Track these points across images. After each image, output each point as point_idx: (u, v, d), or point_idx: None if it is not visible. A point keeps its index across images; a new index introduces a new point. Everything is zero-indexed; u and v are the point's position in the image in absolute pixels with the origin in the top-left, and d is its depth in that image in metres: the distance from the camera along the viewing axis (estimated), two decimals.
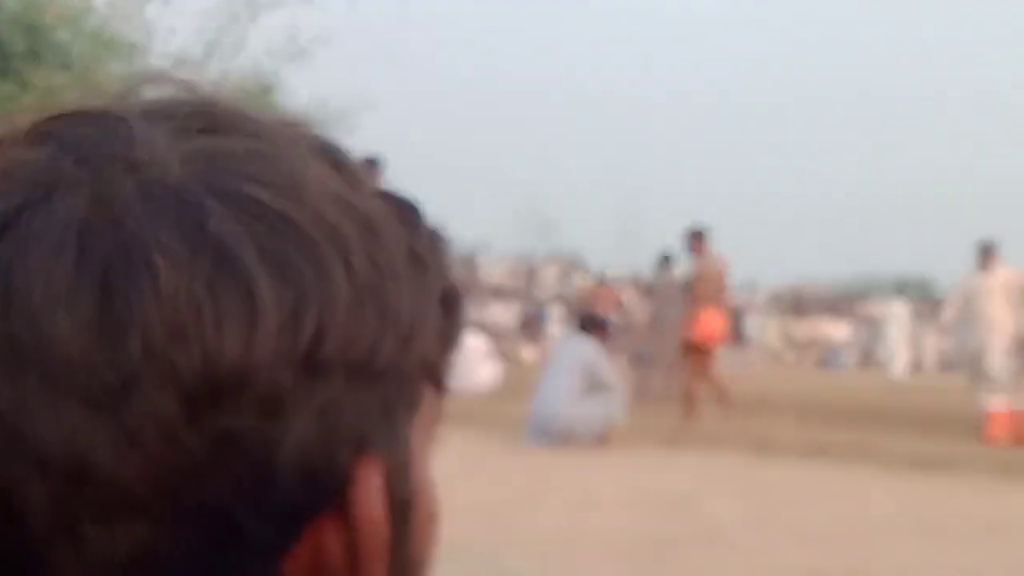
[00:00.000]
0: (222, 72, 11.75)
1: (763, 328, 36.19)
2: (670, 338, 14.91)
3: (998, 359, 11.35)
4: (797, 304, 41.05)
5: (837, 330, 36.86)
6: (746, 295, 39.05)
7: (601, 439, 9.85)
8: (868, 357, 34.53)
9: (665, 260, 15.27)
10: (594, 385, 9.87)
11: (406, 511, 0.47)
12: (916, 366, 26.16)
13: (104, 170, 0.43)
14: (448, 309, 0.48)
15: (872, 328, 37.13)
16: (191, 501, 0.41)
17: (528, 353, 23.45)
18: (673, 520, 6.38)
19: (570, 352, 10.35)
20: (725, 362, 16.25)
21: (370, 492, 0.44)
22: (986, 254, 11.46)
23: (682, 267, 13.83)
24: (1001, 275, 11.44)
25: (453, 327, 0.49)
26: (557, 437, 9.65)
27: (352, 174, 0.47)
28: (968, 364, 12.29)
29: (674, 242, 13.67)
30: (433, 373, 0.48)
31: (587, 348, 10.28)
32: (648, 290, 15.61)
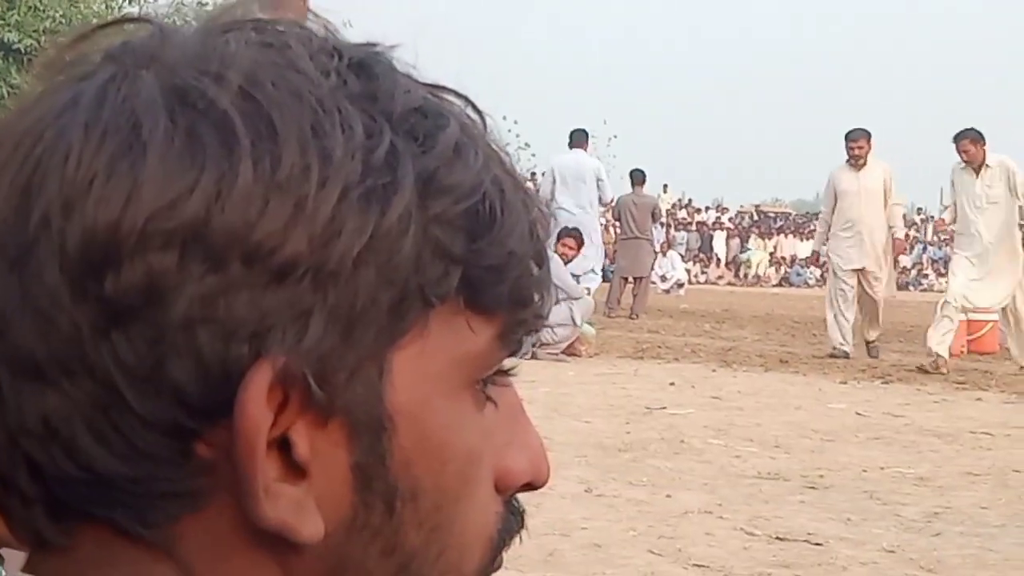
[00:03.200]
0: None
1: (733, 248, 36.33)
2: (637, 255, 15.18)
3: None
4: (762, 223, 41.20)
5: (800, 249, 37.08)
6: (714, 215, 39.18)
7: (572, 349, 10.06)
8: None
9: (634, 179, 15.48)
10: (561, 294, 10.01)
11: (374, 433, 0.44)
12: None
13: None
14: (472, 237, 0.45)
15: None
16: (79, 367, 0.42)
17: None
18: (640, 427, 6.58)
19: None
20: (693, 278, 16.46)
21: (249, 388, 0.42)
22: None
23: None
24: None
25: (483, 257, 0.45)
26: (539, 343, 9.85)
27: (367, 78, 0.45)
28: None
29: (642, 164, 14.43)
30: (430, 299, 0.45)
31: (552, 261, 10.50)
32: (617, 209, 15.75)
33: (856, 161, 10.91)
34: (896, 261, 12.10)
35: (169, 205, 0.41)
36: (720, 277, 34.24)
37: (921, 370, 9.38)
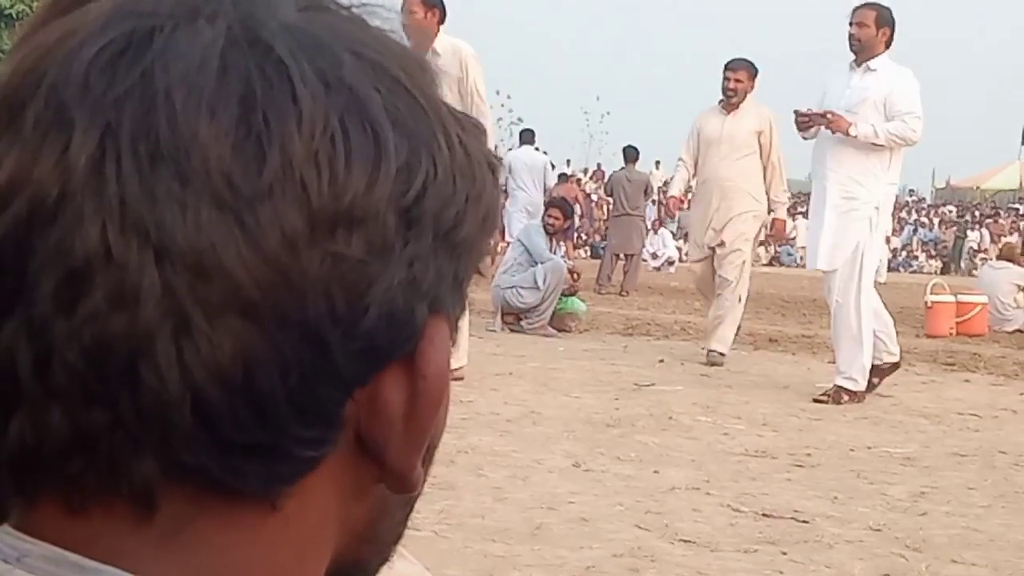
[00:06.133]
0: None
1: None
2: (629, 232, 15.20)
3: None
4: None
5: (789, 228, 37.06)
6: None
7: (561, 325, 10.08)
8: None
9: (627, 156, 15.54)
10: (530, 259, 10.06)
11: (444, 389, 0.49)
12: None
13: (245, 5, 0.44)
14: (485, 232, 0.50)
15: None
16: (294, 314, 0.42)
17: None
18: (628, 403, 6.58)
19: (519, 233, 10.69)
20: (684, 256, 16.48)
21: (439, 347, 0.46)
22: None
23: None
24: None
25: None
26: (510, 309, 9.89)
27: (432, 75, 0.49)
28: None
29: (635, 140, 14.60)
30: (478, 270, 0.50)
31: (529, 225, 10.64)
32: (609, 186, 15.75)
33: (728, 99, 8.38)
34: (767, 243, 9.78)
35: (403, 180, 0.44)
36: None
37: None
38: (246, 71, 0.42)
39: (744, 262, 8.31)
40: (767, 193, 8.37)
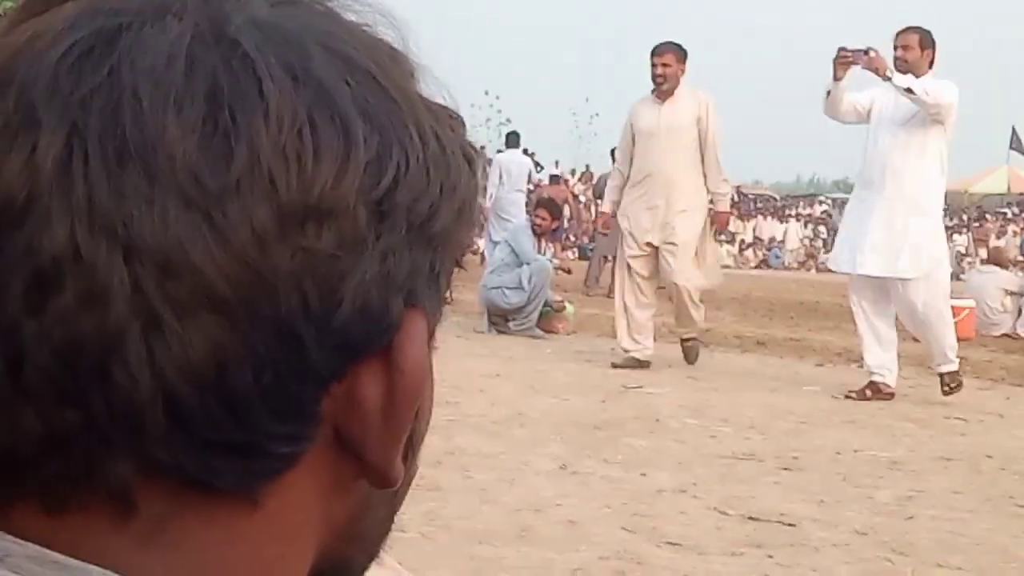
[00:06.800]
0: None
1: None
2: (616, 233, 15.22)
3: None
4: (742, 204, 41.26)
5: (777, 231, 37.26)
6: None
7: (549, 327, 10.09)
8: (812, 257, 34.95)
9: (615, 158, 15.64)
10: (516, 260, 10.08)
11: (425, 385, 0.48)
12: None
13: (215, 2, 0.44)
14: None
15: (814, 228, 37.53)
16: (267, 310, 0.42)
17: (483, 244, 23.54)
18: (616, 405, 6.58)
19: (507, 232, 10.73)
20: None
21: (415, 339, 0.46)
22: None
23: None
24: None
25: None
26: (496, 310, 9.89)
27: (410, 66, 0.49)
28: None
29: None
30: (457, 262, 0.49)
31: (517, 226, 10.64)
32: (599, 188, 15.74)
33: (659, 87, 7.84)
34: (718, 236, 8.74)
35: (374, 173, 0.44)
36: None
37: None
38: (212, 67, 0.42)
39: (692, 259, 7.93)
40: (704, 181, 7.88)
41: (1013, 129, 34.50)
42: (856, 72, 7.04)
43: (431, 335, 0.48)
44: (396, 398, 0.46)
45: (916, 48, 6.99)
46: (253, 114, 0.42)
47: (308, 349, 0.43)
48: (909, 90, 6.82)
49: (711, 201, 7.96)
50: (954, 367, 7.25)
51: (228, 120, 0.42)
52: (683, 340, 8.35)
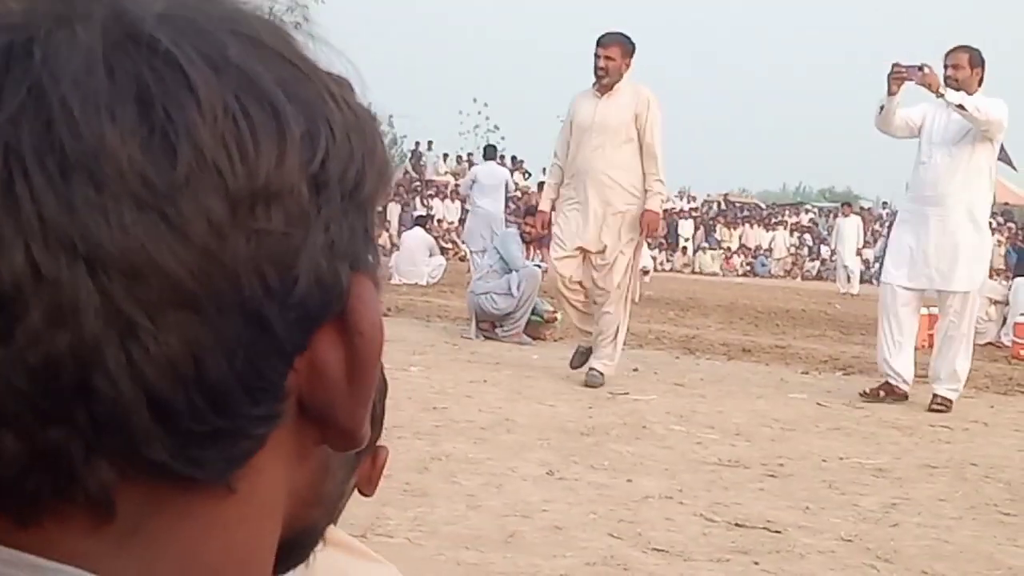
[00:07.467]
0: None
1: (699, 237, 36.44)
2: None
3: None
4: (728, 212, 41.36)
5: (764, 239, 37.34)
6: (680, 204, 39.30)
7: (536, 333, 10.10)
8: (798, 266, 35.08)
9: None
10: (505, 266, 10.11)
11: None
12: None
13: (117, 4, 0.44)
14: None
15: (800, 237, 37.67)
16: (232, 297, 0.43)
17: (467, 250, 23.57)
18: (602, 412, 6.59)
19: (496, 239, 10.75)
20: (659, 266, 16.52)
21: (367, 301, 0.47)
22: None
23: None
24: None
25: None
26: (484, 315, 9.90)
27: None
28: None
29: None
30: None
31: (506, 233, 10.66)
32: None
33: (599, 80, 7.31)
34: (648, 241, 8.11)
35: (308, 148, 0.45)
36: (686, 265, 34.37)
37: None
38: (134, 67, 0.42)
39: (629, 266, 7.37)
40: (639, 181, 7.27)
41: None
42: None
43: (378, 293, 0.49)
44: (358, 360, 0.47)
45: (966, 67, 7.15)
46: (186, 109, 0.42)
47: (274, 327, 0.44)
48: (961, 107, 6.99)
49: (645, 205, 7.32)
50: (954, 396, 7.37)
51: (164, 118, 0.42)
52: (580, 345, 7.81)
